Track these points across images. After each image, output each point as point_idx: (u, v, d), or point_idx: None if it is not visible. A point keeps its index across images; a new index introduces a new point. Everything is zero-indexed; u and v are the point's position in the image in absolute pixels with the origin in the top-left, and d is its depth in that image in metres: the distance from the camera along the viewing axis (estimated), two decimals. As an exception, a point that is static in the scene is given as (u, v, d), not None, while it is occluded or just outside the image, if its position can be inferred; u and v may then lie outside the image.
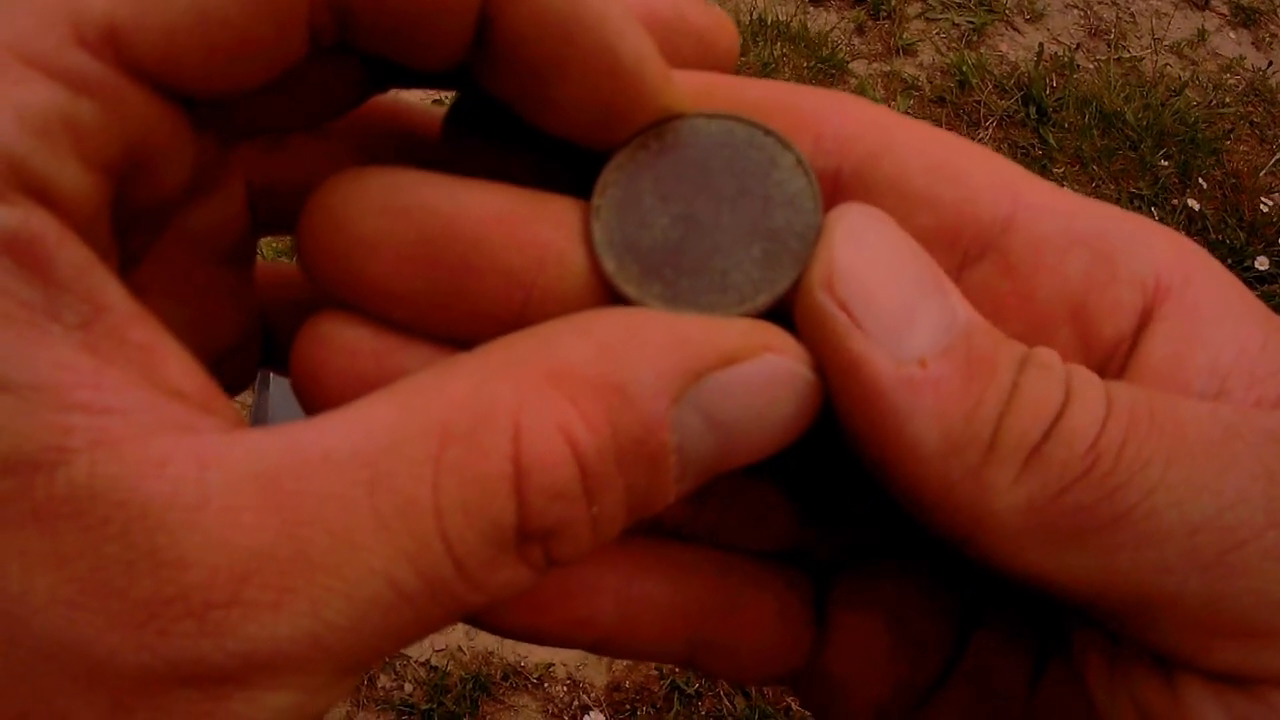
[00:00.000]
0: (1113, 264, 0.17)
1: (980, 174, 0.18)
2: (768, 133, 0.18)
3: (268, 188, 0.21)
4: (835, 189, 0.18)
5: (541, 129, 0.18)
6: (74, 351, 0.14)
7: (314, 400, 0.18)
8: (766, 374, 0.16)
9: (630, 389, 0.15)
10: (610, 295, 0.18)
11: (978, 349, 0.16)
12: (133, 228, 0.17)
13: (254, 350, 0.22)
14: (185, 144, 0.17)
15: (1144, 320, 0.17)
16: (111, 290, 0.15)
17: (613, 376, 0.15)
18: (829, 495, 0.21)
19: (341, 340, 0.18)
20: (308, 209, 0.18)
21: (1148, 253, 0.17)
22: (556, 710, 1.42)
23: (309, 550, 0.14)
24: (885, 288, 0.16)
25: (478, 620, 0.19)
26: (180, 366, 0.15)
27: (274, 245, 1.40)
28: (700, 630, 0.20)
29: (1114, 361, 0.17)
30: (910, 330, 0.16)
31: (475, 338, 0.17)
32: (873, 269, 0.16)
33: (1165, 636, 0.15)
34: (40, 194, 0.14)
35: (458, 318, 0.18)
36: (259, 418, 1.31)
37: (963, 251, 0.18)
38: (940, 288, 0.16)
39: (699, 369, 0.16)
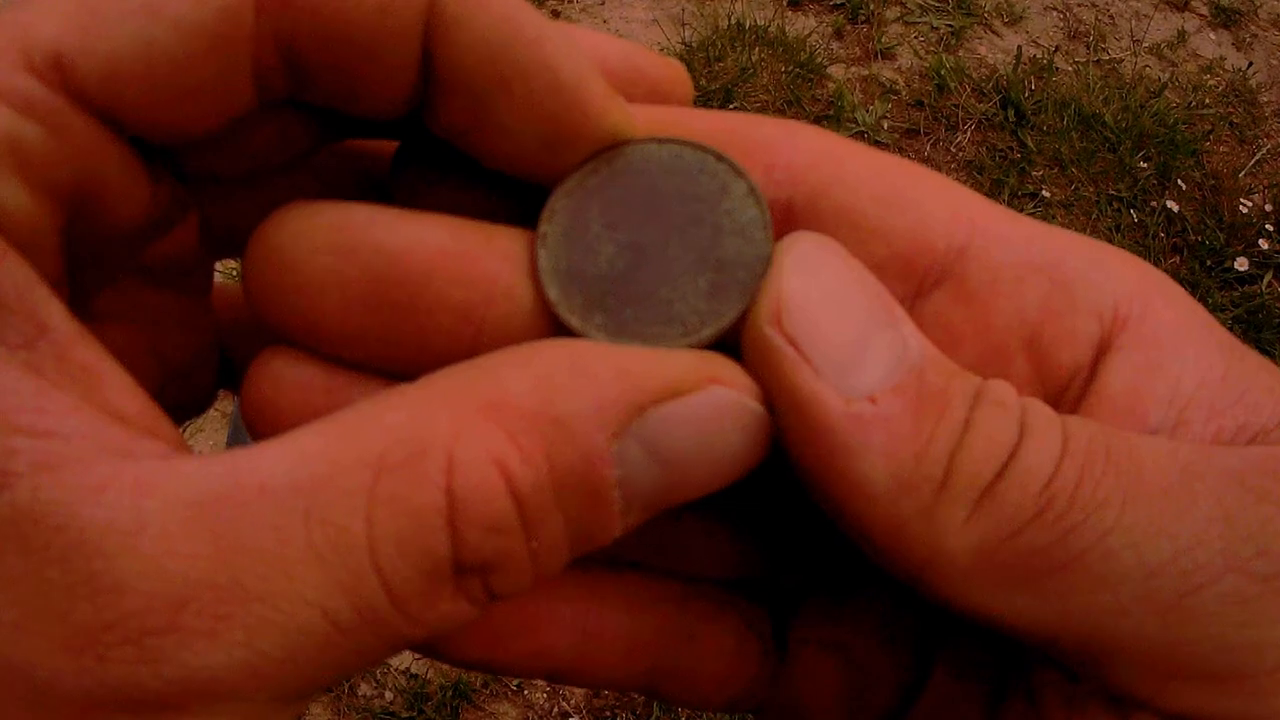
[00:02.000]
0: (1070, 292, 0.17)
1: (934, 202, 0.17)
2: (719, 158, 0.18)
3: (223, 217, 0.21)
4: (787, 220, 0.18)
5: (493, 168, 0.18)
6: (17, 373, 0.14)
7: (265, 435, 0.18)
8: (713, 407, 0.16)
9: (569, 422, 0.15)
10: (554, 325, 0.17)
11: (930, 384, 0.15)
12: (90, 262, 0.18)
13: (210, 373, 0.22)
14: (138, 182, 0.17)
15: (1102, 350, 0.17)
16: (54, 311, 0.15)
17: (551, 409, 0.15)
18: (782, 530, 0.20)
19: (292, 377, 0.18)
20: (252, 247, 0.18)
21: (1107, 281, 0.17)
22: (537, 717, 1.42)
23: (244, 579, 0.14)
24: (834, 321, 0.16)
25: (433, 651, 0.19)
26: (122, 389, 0.15)
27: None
28: (658, 660, 0.20)
29: (1071, 392, 0.17)
30: (860, 365, 0.15)
31: (427, 373, 0.16)
32: (822, 301, 0.16)
33: (1121, 678, 0.15)
34: None
35: (409, 355, 0.18)
36: (237, 433, 1.31)
37: (918, 281, 0.18)
38: (892, 319, 0.16)
39: (642, 402, 0.15)
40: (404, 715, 1.41)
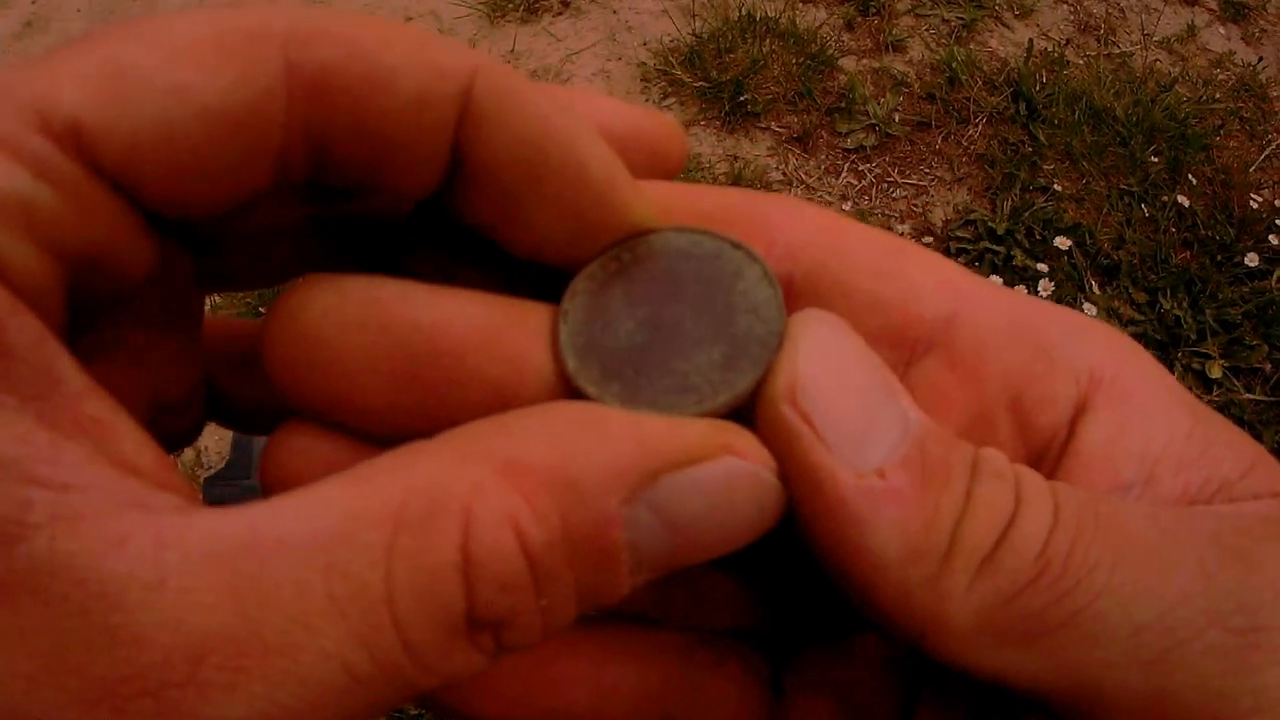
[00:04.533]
0: (1050, 357, 0.18)
1: (923, 275, 0.19)
2: (736, 246, 0.19)
3: (215, 259, 0.21)
4: (788, 291, 0.19)
5: (515, 252, 0.19)
6: (31, 425, 0.14)
7: None
8: (726, 476, 0.16)
9: (583, 484, 0.15)
10: (573, 396, 0.18)
11: (932, 456, 0.16)
12: (87, 309, 0.18)
13: (199, 405, 0.22)
14: (144, 244, 0.17)
15: (1079, 410, 0.18)
16: (65, 364, 0.15)
17: (566, 471, 0.15)
18: (782, 583, 0.21)
19: (317, 452, 0.18)
20: (275, 321, 0.18)
21: (1083, 346, 0.18)
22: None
23: (264, 632, 0.14)
24: (845, 399, 0.16)
25: (451, 711, 0.19)
26: (135, 442, 0.15)
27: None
28: (667, 711, 0.21)
29: (1052, 450, 0.18)
30: (869, 439, 0.16)
31: None
32: (834, 380, 0.17)
33: None
34: None
35: (436, 430, 0.17)
36: (236, 474, 1.30)
37: (909, 349, 0.19)
38: (893, 394, 0.17)
39: (656, 468, 0.16)
40: (415, 711, 1.40)
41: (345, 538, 0.14)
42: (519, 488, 0.15)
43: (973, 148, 1.98)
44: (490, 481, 0.15)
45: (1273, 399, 1.69)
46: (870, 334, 0.18)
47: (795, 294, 0.19)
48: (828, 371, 0.17)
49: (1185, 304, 1.78)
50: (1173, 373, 1.68)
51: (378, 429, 0.18)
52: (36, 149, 0.15)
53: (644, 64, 2.08)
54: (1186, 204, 1.91)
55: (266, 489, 0.18)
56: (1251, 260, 1.85)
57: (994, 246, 1.83)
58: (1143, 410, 0.18)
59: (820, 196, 1.91)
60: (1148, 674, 0.15)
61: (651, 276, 0.19)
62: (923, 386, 0.19)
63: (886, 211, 1.89)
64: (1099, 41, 2.21)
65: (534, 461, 0.15)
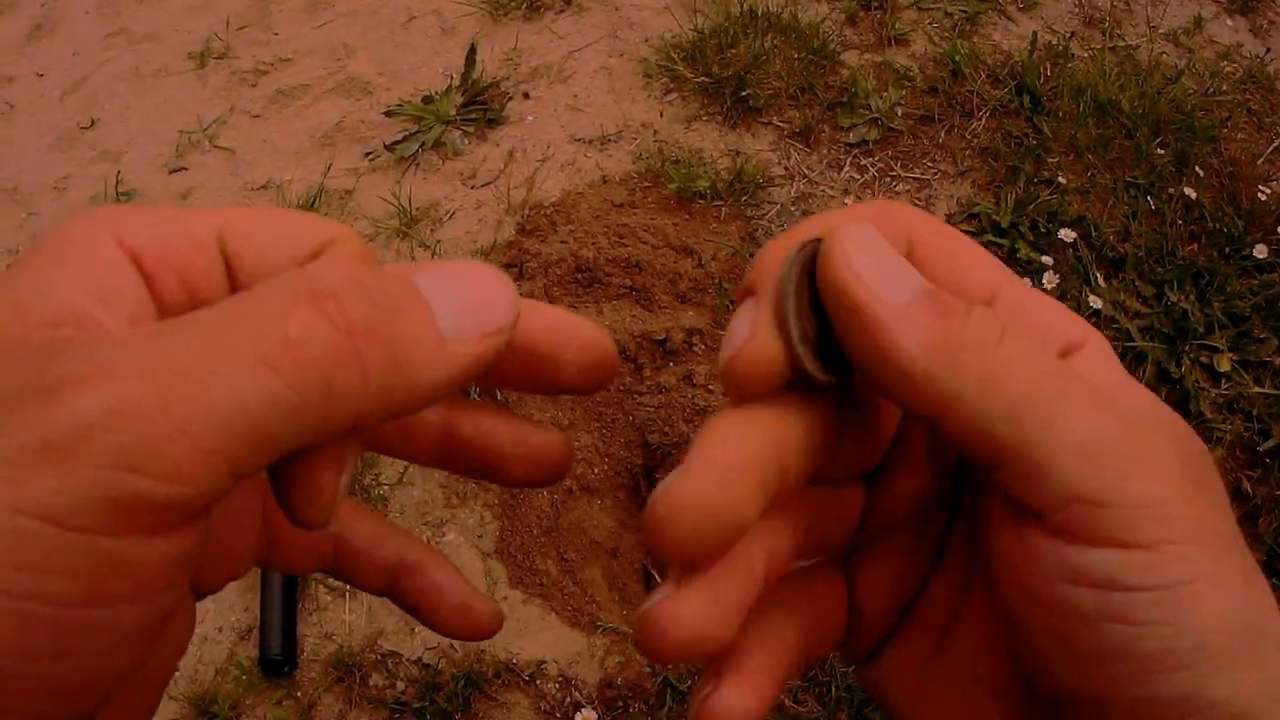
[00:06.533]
0: (1048, 335, 0.27)
1: (978, 273, 0.27)
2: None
3: None
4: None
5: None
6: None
7: None
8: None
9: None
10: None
11: (941, 295, 0.24)
12: None
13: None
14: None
15: (1063, 356, 0.26)
16: None
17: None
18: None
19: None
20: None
21: (1066, 327, 0.27)
22: (549, 707, 1.41)
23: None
24: (876, 262, 0.24)
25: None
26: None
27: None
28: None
29: None
30: (896, 287, 0.23)
31: None
32: (866, 255, 0.24)
33: (1014, 485, 0.24)
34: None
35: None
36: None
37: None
38: (910, 268, 0.24)
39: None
40: (416, 705, 1.40)
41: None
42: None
43: (976, 141, 1.97)
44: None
45: (1282, 392, 1.67)
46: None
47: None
48: (861, 248, 0.24)
49: (1192, 297, 1.76)
50: (1180, 367, 1.63)
51: None
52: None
53: (646, 60, 2.08)
54: (1194, 196, 1.90)
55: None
56: (1260, 252, 1.83)
57: (998, 240, 1.82)
58: (1093, 369, 0.26)
59: (822, 191, 1.90)
60: (1021, 432, 0.23)
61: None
62: None
63: (889, 205, 1.87)
64: (1104, 34, 2.19)
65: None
